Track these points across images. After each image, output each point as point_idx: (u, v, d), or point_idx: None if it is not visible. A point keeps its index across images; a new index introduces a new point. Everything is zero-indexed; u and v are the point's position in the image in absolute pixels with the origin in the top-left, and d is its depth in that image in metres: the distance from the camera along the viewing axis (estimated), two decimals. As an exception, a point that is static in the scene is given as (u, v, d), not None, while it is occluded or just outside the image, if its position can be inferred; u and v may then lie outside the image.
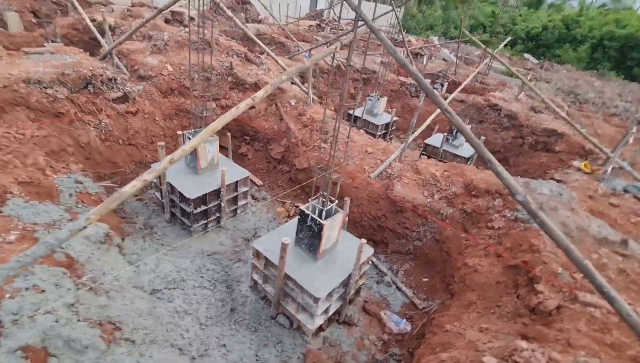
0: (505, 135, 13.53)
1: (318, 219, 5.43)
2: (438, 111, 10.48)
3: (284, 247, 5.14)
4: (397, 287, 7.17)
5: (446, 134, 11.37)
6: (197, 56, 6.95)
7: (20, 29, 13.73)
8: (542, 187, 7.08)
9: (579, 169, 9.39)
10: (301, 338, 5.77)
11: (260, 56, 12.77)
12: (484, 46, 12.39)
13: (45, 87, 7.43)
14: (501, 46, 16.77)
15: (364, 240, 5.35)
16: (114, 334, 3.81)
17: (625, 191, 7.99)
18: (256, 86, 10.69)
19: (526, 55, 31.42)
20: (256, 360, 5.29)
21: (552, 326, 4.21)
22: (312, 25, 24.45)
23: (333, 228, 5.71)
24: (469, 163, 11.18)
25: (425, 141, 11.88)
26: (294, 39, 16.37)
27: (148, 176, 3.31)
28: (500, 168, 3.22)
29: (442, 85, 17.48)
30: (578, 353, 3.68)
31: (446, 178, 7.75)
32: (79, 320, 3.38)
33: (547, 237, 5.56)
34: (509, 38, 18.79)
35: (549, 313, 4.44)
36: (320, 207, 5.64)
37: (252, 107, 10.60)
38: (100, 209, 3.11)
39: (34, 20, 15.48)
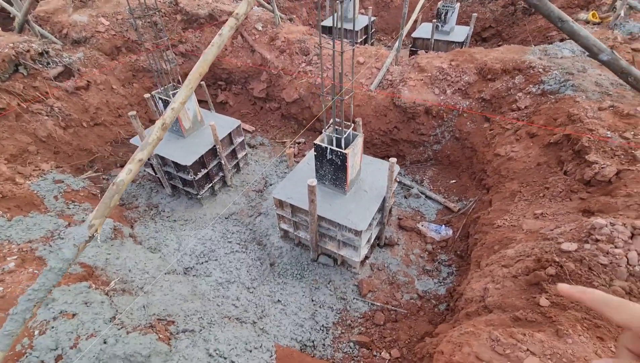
0: (493, 6, 12.21)
1: (339, 149, 4.83)
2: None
3: (312, 189, 4.64)
4: (426, 196, 6.93)
5: (434, 20, 10.11)
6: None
7: None
8: (562, 50, 6.37)
9: (587, 22, 8.52)
10: (349, 272, 5.65)
11: (202, -20, 10.64)
12: None
13: (-33, 83, 6.07)
14: None
15: (393, 159, 4.83)
16: (169, 330, 3.50)
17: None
18: (212, 18, 9.06)
19: None
20: (313, 304, 5.20)
21: (617, 194, 3.95)
22: None
23: (356, 155, 5.15)
24: (463, 47, 10.18)
25: (413, 35, 10.63)
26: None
27: (142, 154, 2.58)
28: (577, 26, 2.50)
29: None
30: (655, 214, 3.46)
31: (455, 67, 6.95)
32: (128, 333, 2.99)
33: (587, 102, 5.07)
34: None
35: (608, 182, 4.17)
36: (337, 136, 4.99)
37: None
38: (102, 211, 2.46)
39: None
